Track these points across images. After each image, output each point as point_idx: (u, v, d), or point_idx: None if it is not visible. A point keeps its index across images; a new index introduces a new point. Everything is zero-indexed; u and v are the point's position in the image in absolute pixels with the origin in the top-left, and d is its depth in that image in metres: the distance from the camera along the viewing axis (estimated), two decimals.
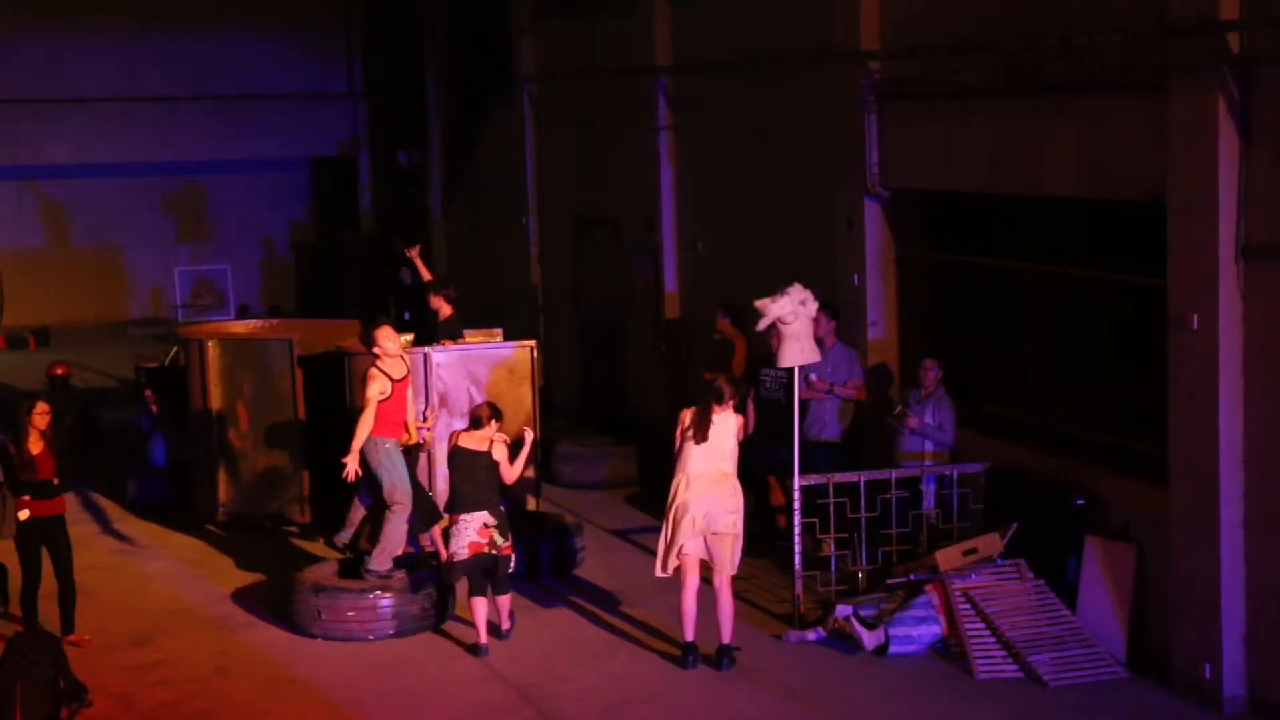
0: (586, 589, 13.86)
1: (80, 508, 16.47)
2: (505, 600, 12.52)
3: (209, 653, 12.58)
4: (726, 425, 11.92)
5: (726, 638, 11.92)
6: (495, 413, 12.50)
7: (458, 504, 12.33)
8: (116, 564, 15.05)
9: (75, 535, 13.04)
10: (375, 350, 13.04)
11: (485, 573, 12.37)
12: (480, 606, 12.34)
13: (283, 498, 15.86)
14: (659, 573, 12.07)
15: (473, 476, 12.28)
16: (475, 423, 12.44)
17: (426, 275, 16.11)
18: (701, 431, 11.87)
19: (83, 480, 16.30)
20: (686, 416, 11.99)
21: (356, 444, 12.71)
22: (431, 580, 12.87)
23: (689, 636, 11.97)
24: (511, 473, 12.51)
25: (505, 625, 12.57)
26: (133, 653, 12.63)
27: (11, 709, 9.91)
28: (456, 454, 12.38)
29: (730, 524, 11.83)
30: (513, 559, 12.45)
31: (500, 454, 12.40)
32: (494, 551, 12.29)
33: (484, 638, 12.33)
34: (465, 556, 12.27)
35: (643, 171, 19.19)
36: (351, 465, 12.64)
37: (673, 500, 11.91)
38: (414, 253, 16.33)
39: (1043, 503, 12.42)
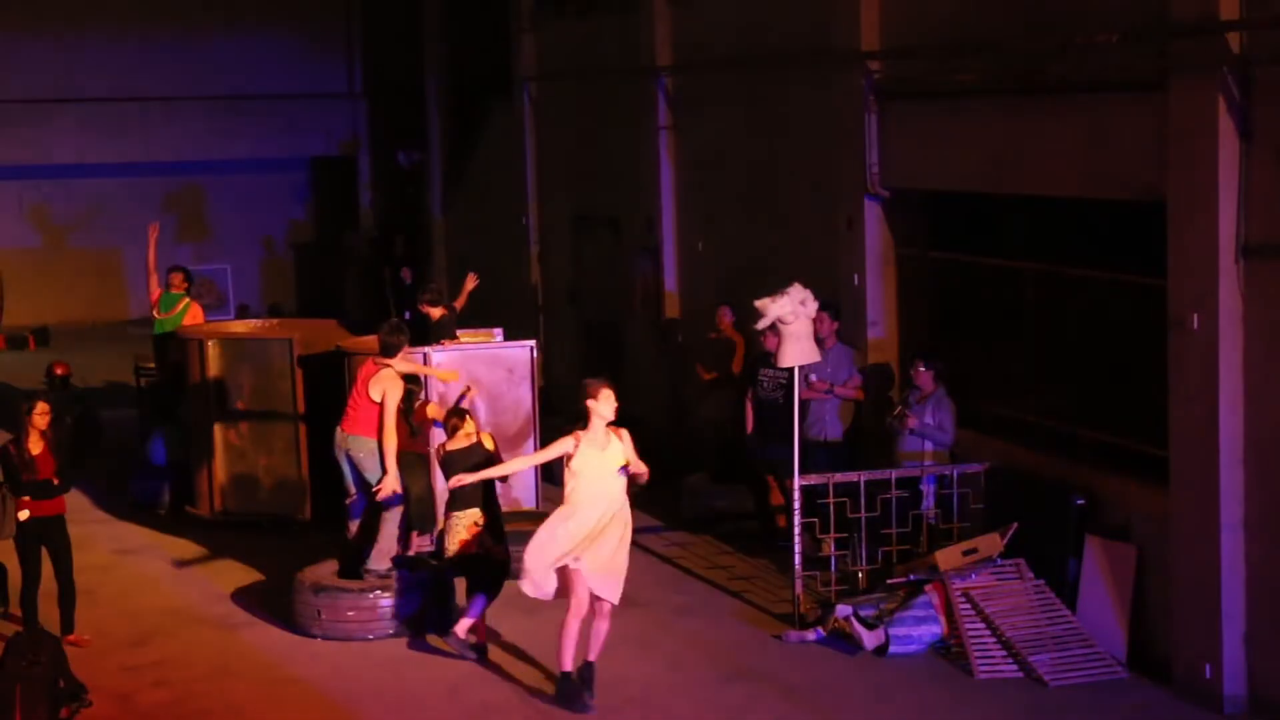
0: None
1: (80, 508, 16.45)
2: (478, 604, 12.17)
3: (209, 653, 12.58)
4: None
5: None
6: (458, 412, 12.53)
7: (452, 503, 12.31)
8: (116, 564, 15.05)
9: (75, 535, 13.03)
10: (396, 358, 12.95)
11: (479, 575, 12.29)
12: (479, 603, 12.29)
13: (283, 497, 15.86)
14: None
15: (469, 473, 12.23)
16: (452, 431, 12.43)
17: (461, 302, 16.36)
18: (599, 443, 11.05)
19: (83, 480, 16.28)
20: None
21: (391, 462, 12.68)
22: (431, 580, 12.85)
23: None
24: (507, 465, 12.35)
25: (461, 631, 12.17)
26: (133, 653, 12.63)
27: (11, 709, 9.91)
28: (448, 459, 12.36)
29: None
30: (508, 565, 12.16)
31: (491, 444, 12.37)
32: (483, 551, 12.16)
33: (483, 637, 12.31)
34: (454, 555, 12.23)
35: (643, 171, 19.20)
36: (390, 484, 12.68)
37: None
38: (472, 281, 16.64)
39: (1043, 503, 12.42)
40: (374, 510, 13.03)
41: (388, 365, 12.91)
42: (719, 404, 16.27)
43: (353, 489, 13.46)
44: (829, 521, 13.03)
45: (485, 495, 12.23)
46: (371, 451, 12.87)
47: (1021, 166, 12.86)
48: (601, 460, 10.97)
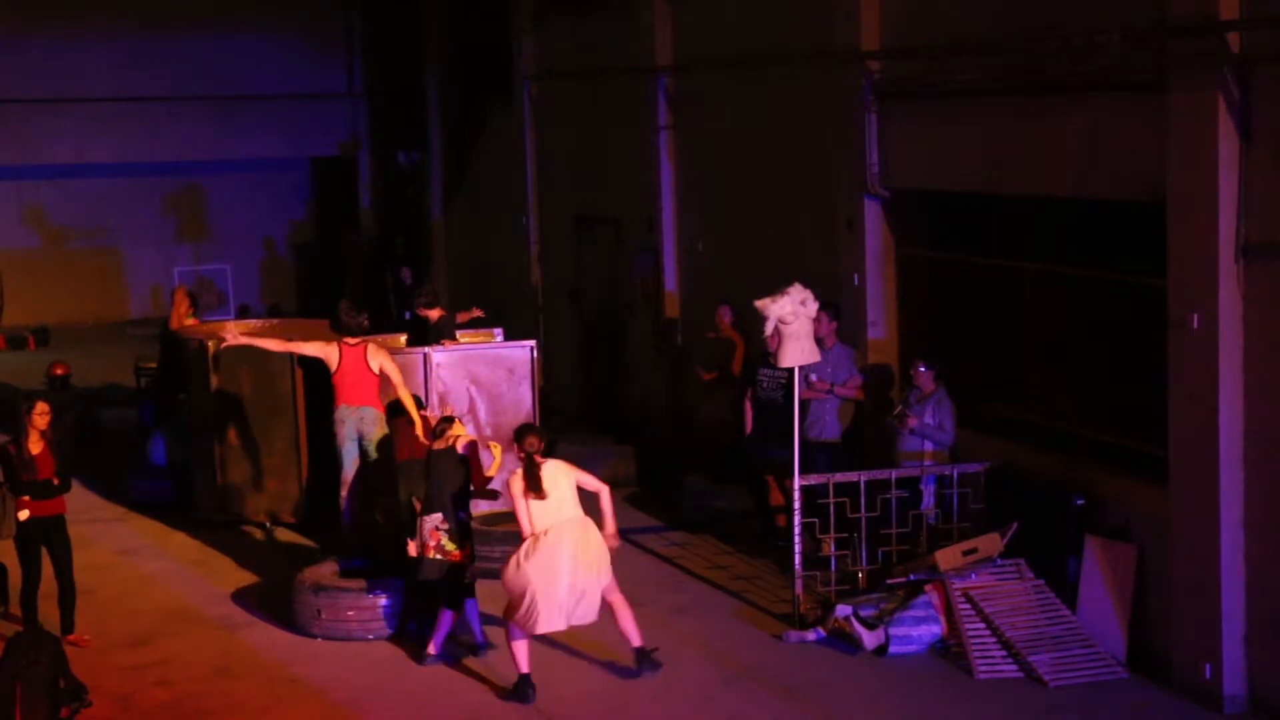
0: None
1: (80, 508, 16.43)
2: (446, 617, 12.13)
3: (209, 653, 12.58)
4: (555, 473, 11.41)
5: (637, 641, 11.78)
6: (448, 418, 12.61)
7: (425, 505, 12.29)
8: (116, 564, 15.05)
9: (75, 535, 13.04)
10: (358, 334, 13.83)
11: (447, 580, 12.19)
12: (446, 618, 12.20)
13: (283, 497, 15.85)
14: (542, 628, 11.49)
15: (439, 475, 12.20)
16: (439, 433, 12.44)
17: (462, 318, 16.65)
18: (535, 487, 11.29)
19: (83, 480, 16.30)
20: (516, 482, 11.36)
21: (414, 411, 13.81)
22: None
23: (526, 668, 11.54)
24: (480, 477, 12.31)
25: (433, 648, 12.18)
26: (133, 653, 12.63)
27: (11, 709, 9.90)
28: (430, 456, 12.38)
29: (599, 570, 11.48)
30: (469, 570, 12.09)
31: (466, 446, 12.27)
32: (440, 557, 12.05)
33: (481, 638, 12.28)
34: (421, 558, 12.21)
35: (643, 171, 19.20)
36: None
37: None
38: (477, 313, 16.76)
39: (1043, 503, 12.42)
40: (364, 484, 13.67)
41: (369, 341, 13.87)
42: (719, 404, 16.27)
43: (349, 471, 13.64)
44: (829, 521, 13.02)
45: (453, 500, 12.12)
46: (379, 419, 13.81)
47: (1021, 166, 12.86)
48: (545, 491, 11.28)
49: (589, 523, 11.40)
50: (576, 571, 11.25)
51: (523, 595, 11.22)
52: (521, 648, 11.42)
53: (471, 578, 12.17)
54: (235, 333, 13.86)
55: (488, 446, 12.67)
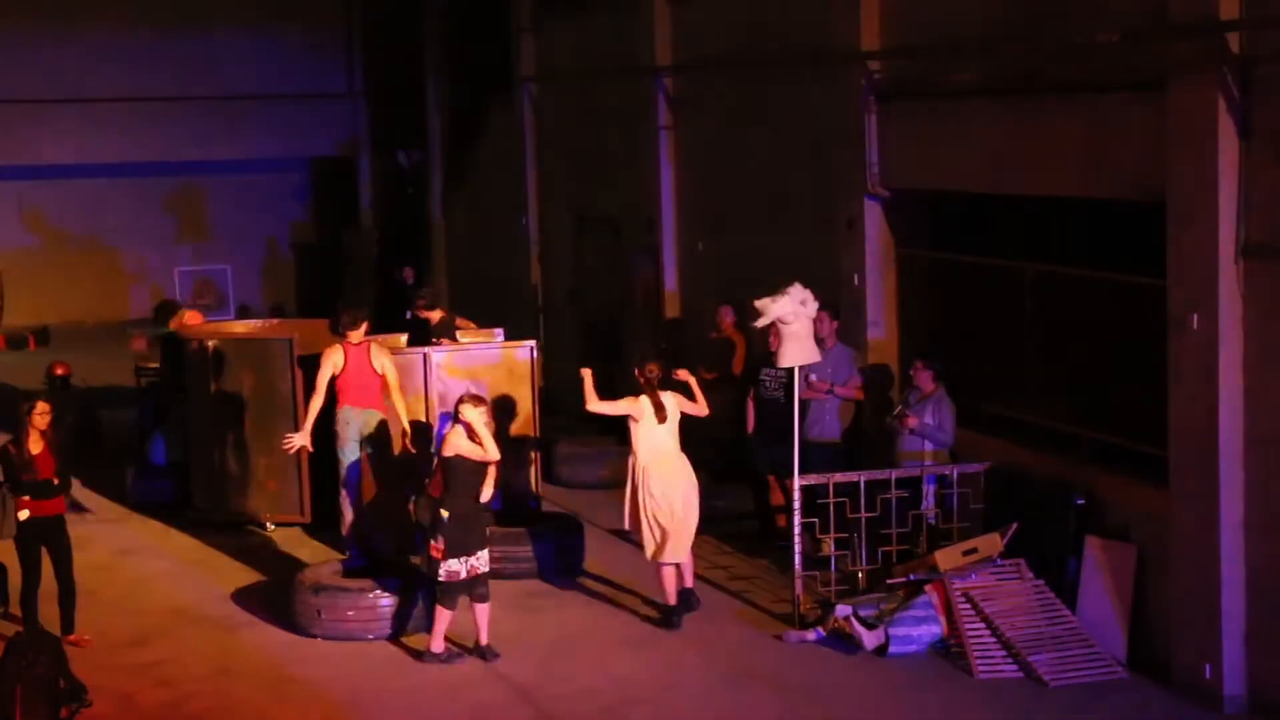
0: (586, 589, 13.87)
1: (80, 507, 16.46)
2: (444, 617, 12.07)
3: (209, 653, 12.58)
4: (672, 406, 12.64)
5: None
6: (462, 400, 12.28)
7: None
8: (116, 564, 15.04)
9: (75, 535, 13.03)
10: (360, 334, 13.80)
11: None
12: (443, 617, 12.16)
13: (283, 497, 15.85)
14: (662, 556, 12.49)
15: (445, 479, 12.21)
16: (453, 418, 12.37)
17: (464, 323, 16.54)
18: (660, 414, 12.48)
19: (83, 480, 16.29)
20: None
21: (406, 419, 13.79)
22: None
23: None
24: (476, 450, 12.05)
25: (434, 647, 12.16)
26: (133, 653, 12.63)
27: (11, 709, 9.91)
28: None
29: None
30: (441, 567, 11.87)
31: (449, 449, 12.00)
32: (425, 557, 12.05)
33: (484, 638, 12.27)
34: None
35: (643, 171, 19.20)
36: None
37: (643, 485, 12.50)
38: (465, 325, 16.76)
39: (1043, 503, 12.42)
40: (357, 486, 13.68)
41: (372, 341, 13.85)
42: (719, 404, 16.25)
43: (350, 472, 13.62)
44: (829, 521, 13.02)
45: (441, 499, 12.04)
46: (384, 423, 13.74)
47: (1021, 166, 12.86)
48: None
49: (686, 459, 12.54)
50: (689, 506, 12.45)
51: (648, 526, 12.44)
52: (669, 575, 12.57)
53: (465, 579, 12.08)
54: (302, 439, 13.60)
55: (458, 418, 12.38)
